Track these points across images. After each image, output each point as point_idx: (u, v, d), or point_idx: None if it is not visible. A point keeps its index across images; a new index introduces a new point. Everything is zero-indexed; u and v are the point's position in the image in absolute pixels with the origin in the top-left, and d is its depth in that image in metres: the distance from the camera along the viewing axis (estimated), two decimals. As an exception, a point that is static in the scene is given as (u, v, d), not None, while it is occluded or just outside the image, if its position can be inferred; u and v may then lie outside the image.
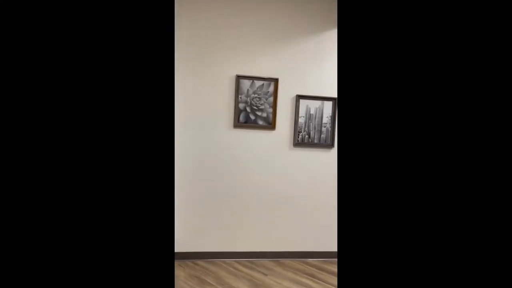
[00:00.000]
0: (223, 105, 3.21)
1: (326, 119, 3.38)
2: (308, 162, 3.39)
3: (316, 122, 3.37)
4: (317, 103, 3.35)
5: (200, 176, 3.23)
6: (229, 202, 3.29)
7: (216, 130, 3.22)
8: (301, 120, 3.33)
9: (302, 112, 3.33)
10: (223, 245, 3.31)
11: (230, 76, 3.19)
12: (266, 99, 3.25)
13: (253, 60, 3.23)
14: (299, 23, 3.31)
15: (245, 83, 3.20)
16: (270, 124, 3.28)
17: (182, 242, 3.26)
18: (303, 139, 3.35)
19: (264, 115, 3.26)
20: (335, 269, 3.23)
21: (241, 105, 3.20)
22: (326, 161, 3.42)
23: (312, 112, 3.35)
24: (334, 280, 2.98)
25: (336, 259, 3.48)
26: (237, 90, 3.18)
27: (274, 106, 3.27)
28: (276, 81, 3.25)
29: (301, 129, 3.34)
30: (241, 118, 3.22)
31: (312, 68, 3.34)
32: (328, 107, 3.38)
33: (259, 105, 3.24)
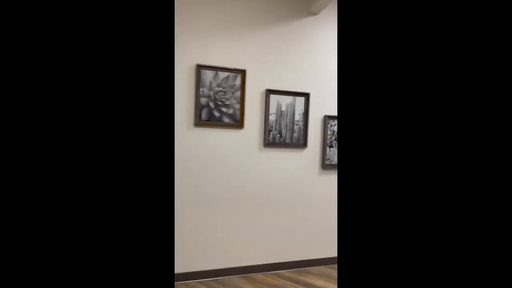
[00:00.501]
0: (181, 100, 2.71)
1: (298, 116, 3.05)
2: (280, 164, 3.02)
3: (288, 119, 3.02)
4: (289, 98, 3.01)
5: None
6: (189, 213, 2.80)
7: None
8: (272, 117, 2.96)
9: (272, 108, 2.95)
10: (183, 265, 2.80)
11: (189, 66, 2.71)
12: (233, 93, 2.82)
13: (217, 48, 2.78)
14: (271, 8, 2.92)
15: (208, 74, 2.75)
16: (238, 122, 2.86)
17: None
18: (274, 139, 2.98)
19: (231, 111, 2.83)
20: (311, 280, 2.93)
21: (203, 100, 2.74)
22: (299, 163, 3.08)
23: (283, 108, 3.00)
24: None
25: (311, 268, 3.20)
26: (198, 82, 2.71)
27: (241, 101, 2.85)
28: (243, 72, 2.84)
29: (271, 127, 2.96)
30: (204, 115, 2.75)
31: (283, 60, 2.97)
32: (300, 103, 3.05)
33: (224, 100, 2.80)
